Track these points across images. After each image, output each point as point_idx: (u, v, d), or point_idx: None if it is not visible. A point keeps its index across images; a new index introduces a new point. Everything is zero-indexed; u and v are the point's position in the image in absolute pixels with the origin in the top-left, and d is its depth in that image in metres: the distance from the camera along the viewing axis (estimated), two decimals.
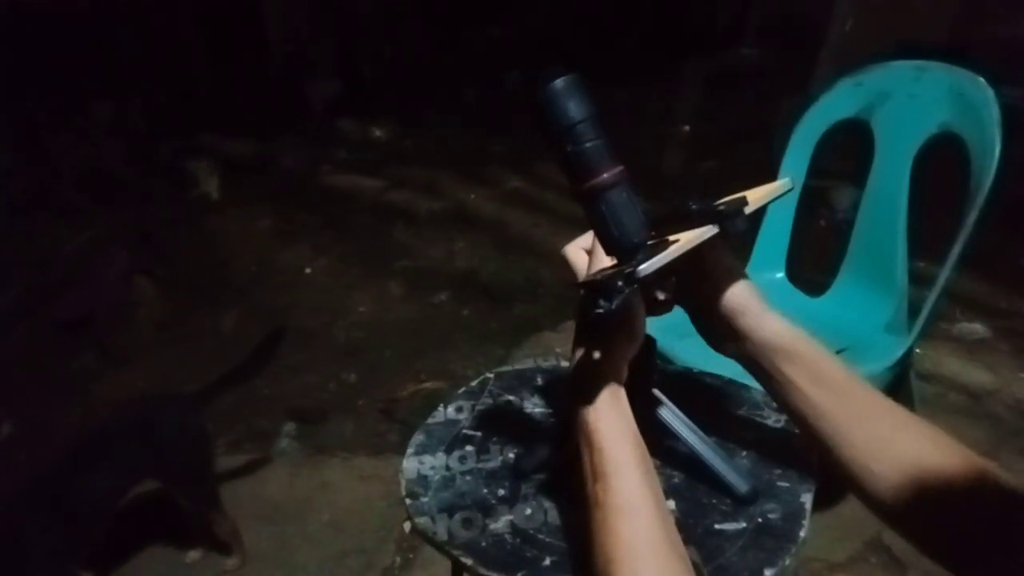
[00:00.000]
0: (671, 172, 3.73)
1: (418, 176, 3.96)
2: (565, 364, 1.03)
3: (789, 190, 0.74)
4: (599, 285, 0.60)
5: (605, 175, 0.60)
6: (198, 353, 2.63)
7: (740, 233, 0.61)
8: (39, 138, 3.63)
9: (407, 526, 1.80)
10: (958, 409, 2.15)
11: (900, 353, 1.38)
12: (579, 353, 0.69)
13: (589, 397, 0.65)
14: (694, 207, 0.63)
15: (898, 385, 1.44)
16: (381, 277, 3.05)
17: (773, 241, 1.73)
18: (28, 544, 1.37)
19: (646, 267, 0.58)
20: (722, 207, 0.61)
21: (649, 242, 0.61)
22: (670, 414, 0.76)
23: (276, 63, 4.76)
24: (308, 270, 3.17)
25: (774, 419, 0.87)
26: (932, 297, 1.35)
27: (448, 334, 2.65)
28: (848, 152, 1.65)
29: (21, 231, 3.32)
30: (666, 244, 0.60)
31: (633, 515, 0.59)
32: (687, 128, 3.65)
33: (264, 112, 4.41)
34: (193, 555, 1.74)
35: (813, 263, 1.82)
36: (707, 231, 0.61)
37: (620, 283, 0.58)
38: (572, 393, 0.67)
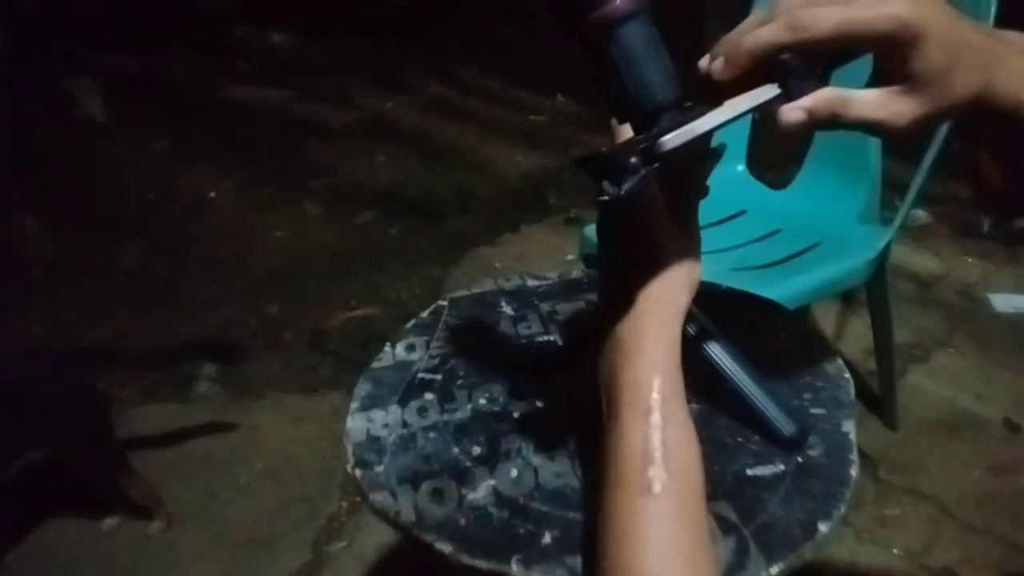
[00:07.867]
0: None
1: (328, 85, 3.63)
2: (532, 283, 0.86)
3: None
4: (604, 160, 0.43)
5: (618, 1, 0.42)
6: (99, 292, 2.35)
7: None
8: None
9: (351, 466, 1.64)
10: (909, 298, 2.11)
11: (882, 244, 1.27)
12: (609, 283, 0.54)
13: (641, 350, 0.50)
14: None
15: (876, 280, 1.34)
16: (296, 198, 2.79)
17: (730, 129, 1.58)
18: None
19: (671, 138, 0.41)
20: (789, 60, 0.43)
21: (685, 104, 0.44)
22: (713, 344, 0.61)
23: None
24: (213, 195, 2.87)
25: (799, 331, 0.74)
26: (918, 178, 1.24)
27: (376, 256, 2.45)
28: None
29: None
30: (705, 110, 0.43)
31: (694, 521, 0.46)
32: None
33: (148, 21, 3.95)
34: (109, 522, 1.54)
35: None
36: (765, 91, 0.44)
37: (633, 160, 0.41)
38: (610, 346, 0.52)
